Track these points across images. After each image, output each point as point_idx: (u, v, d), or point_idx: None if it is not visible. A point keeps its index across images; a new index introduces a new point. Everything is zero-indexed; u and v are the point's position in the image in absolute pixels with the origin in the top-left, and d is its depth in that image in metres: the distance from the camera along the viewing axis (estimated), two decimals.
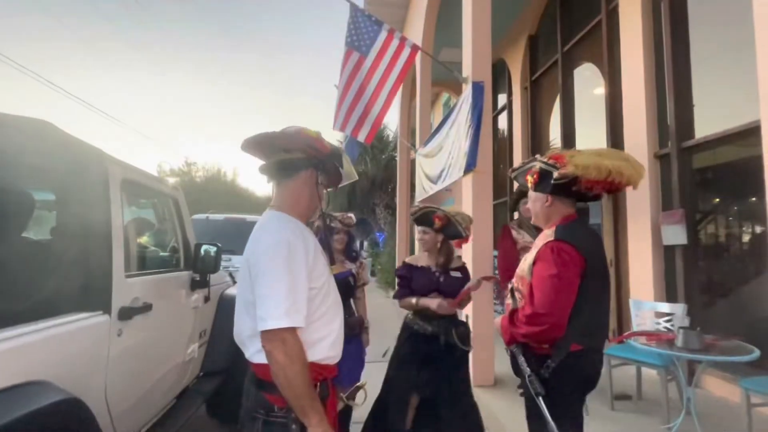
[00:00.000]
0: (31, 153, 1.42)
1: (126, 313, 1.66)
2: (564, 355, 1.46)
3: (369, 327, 2.57)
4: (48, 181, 1.61)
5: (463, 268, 2.36)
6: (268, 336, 1.07)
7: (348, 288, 2.34)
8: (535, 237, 2.68)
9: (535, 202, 1.66)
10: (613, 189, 1.58)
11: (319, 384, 1.18)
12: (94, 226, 1.57)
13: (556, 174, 1.52)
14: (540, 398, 1.44)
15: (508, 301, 1.71)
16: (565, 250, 1.46)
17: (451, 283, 2.25)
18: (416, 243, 7.75)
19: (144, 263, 2.12)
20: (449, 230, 2.24)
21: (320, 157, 1.29)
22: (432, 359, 2.18)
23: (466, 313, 3.26)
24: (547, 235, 1.54)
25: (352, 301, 2.49)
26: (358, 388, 1.42)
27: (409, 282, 2.29)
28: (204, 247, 2.41)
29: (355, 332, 2.35)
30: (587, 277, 1.47)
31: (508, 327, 1.59)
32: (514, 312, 1.59)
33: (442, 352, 2.17)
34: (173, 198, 2.43)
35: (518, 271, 1.66)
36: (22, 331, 1.21)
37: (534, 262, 1.53)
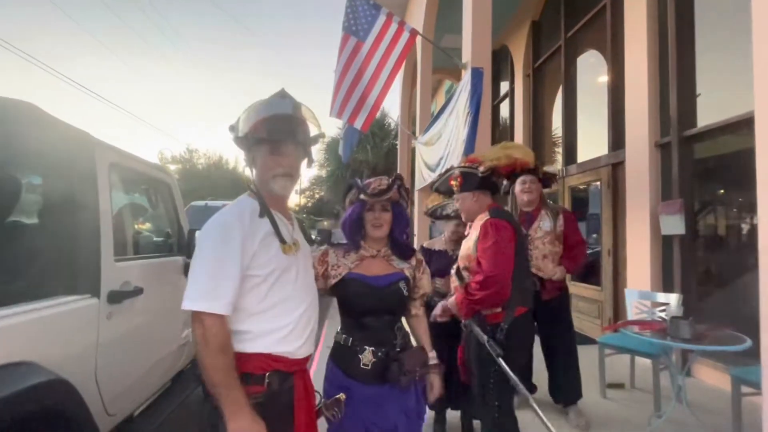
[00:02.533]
0: (16, 135, 1.41)
1: (116, 297, 1.67)
2: (513, 317, 1.78)
3: (437, 364, 1.51)
4: (34, 164, 1.60)
5: None
6: (192, 317, 1.07)
7: (398, 301, 1.47)
8: None
9: (464, 201, 1.98)
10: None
11: (268, 375, 1.14)
12: (81, 209, 1.57)
13: (482, 168, 1.92)
14: (500, 359, 1.66)
15: (456, 284, 1.94)
16: (500, 224, 1.81)
17: None
18: (415, 229, 7.74)
19: (135, 248, 2.13)
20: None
21: (240, 135, 1.21)
22: (449, 334, 2.23)
23: None
24: (481, 218, 1.88)
25: (403, 321, 1.56)
26: (338, 401, 1.32)
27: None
28: (198, 233, 2.42)
29: (414, 375, 1.38)
30: (518, 248, 1.82)
31: (464, 300, 1.80)
32: (467, 286, 1.83)
33: (458, 329, 2.18)
34: (165, 183, 2.43)
35: (464, 251, 1.94)
36: (8, 312, 1.22)
37: (477, 241, 1.84)
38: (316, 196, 28.38)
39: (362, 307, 1.44)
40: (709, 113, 3.56)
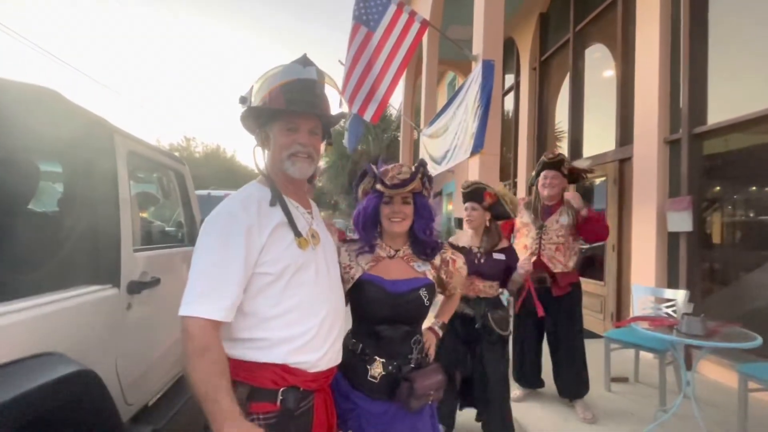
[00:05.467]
0: (37, 122, 1.37)
1: (135, 287, 1.66)
2: None
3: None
4: (54, 151, 1.57)
5: (508, 250, 2.18)
6: (182, 322, 0.92)
7: (417, 311, 1.31)
8: (533, 221, 2.76)
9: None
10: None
11: (282, 391, 0.99)
12: (101, 198, 1.54)
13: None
14: None
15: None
16: None
17: (492, 265, 2.10)
18: None
19: (150, 238, 2.11)
20: (497, 209, 2.14)
21: (251, 108, 1.05)
22: (468, 340, 2.13)
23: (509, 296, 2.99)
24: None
25: (413, 342, 1.34)
26: None
27: None
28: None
29: (427, 400, 1.26)
30: None
31: None
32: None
33: (478, 334, 2.09)
34: (178, 172, 2.40)
35: None
36: (35, 303, 1.21)
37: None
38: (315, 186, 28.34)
39: (376, 315, 1.27)
40: (720, 110, 3.56)
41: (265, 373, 0.99)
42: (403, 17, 3.89)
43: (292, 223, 1.04)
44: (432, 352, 1.39)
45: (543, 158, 2.79)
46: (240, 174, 26.87)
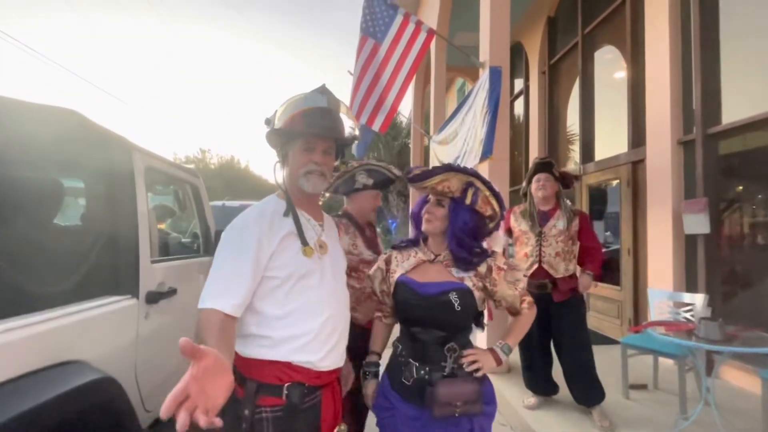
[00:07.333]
0: (60, 141, 1.45)
1: (153, 298, 1.72)
2: None
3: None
4: (76, 169, 1.66)
5: None
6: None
7: (447, 315, 1.26)
8: (530, 228, 2.76)
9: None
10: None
11: (287, 386, 1.08)
12: (121, 212, 1.61)
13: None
14: None
15: None
16: None
17: None
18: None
19: (167, 249, 2.18)
20: None
21: (275, 128, 1.18)
22: None
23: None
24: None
25: (447, 349, 1.26)
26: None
27: None
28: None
29: (453, 410, 1.19)
30: None
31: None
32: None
33: None
34: (193, 185, 2.48)
35: None
36: (60, 313, 1.27)
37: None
38: (326, 194, 28.52)
39: (409, 316, 1.33)
40: (734, 110, 3.50)
41: (271, 369, 1.08)
42: (410, 27, 3.95)
43: (300, 232, 1.15)
44: (478, 372, 1.26)
45: (535, 159, 2.84)
46: (253, 184, 27.30)
